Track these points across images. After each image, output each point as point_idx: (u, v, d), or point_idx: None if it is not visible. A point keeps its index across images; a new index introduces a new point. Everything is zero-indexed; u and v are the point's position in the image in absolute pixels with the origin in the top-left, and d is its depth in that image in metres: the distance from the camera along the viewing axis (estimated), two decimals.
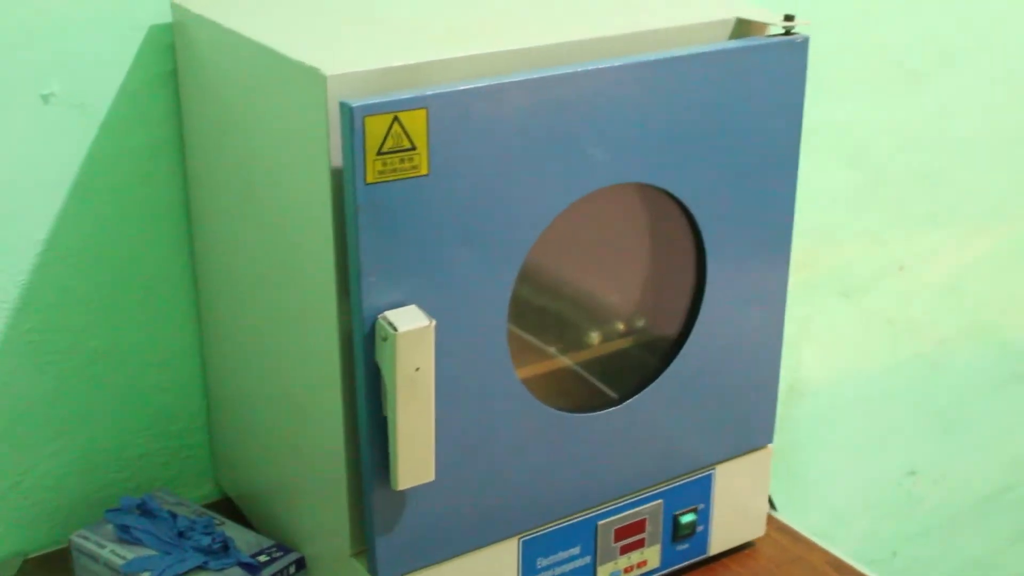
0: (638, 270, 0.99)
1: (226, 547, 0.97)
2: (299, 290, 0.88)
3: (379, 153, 0.76)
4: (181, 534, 0.98)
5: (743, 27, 0.93)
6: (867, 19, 1.44)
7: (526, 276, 0.87)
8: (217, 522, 1.01)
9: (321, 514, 0.93)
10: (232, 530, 1.00)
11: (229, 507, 1.10)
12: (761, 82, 0.91)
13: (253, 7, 0.95)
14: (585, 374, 0.97)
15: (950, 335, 1.70)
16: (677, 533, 1.01)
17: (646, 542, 0.99)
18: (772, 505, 1.14)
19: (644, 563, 1.00)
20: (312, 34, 0.88)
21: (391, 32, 0.89)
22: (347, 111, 0.75)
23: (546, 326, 0.95)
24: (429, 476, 0.83)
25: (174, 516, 1.00)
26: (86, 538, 0.97)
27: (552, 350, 0.95)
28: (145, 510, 1.00)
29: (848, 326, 1.60)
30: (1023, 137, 1.64)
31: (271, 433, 1.00)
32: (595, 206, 0.89)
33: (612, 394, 0.95)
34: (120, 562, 0.94)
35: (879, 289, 1.60)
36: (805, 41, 0.92)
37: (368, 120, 0.75)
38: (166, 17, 1.00)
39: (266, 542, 0.99)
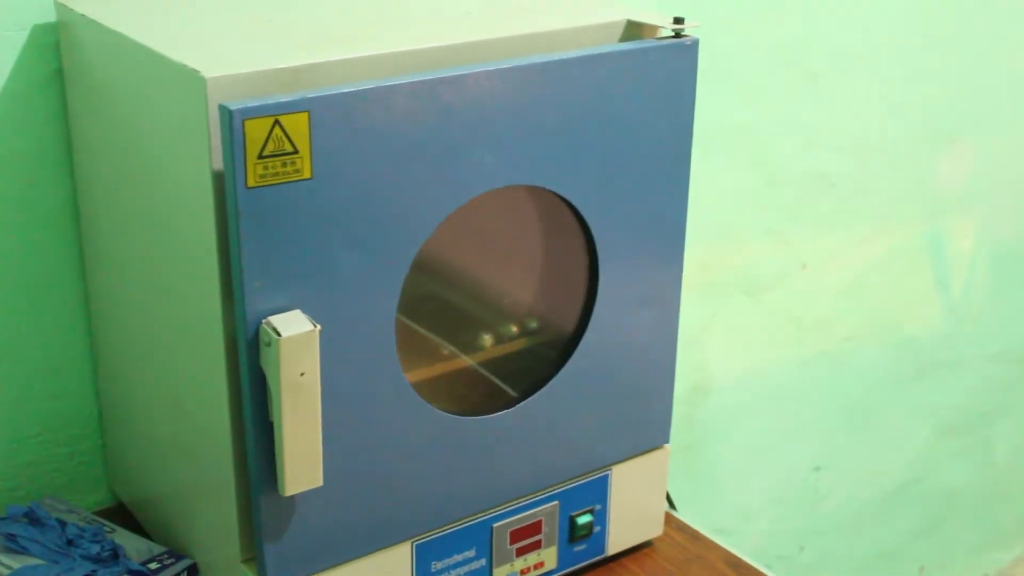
0: (532, 271, 0.99)
1: (116, 555, 0.95)
2: (185, 294, 0.87)
3: (260, 157, 0.75)
4: (70, 542, 0.96)
5: (634, 29, 0.93)
6: (767, 20, 1.45)
7: (419, 278, 0.87)
8: (107, 529, 0.99)
9: (211, 520, 0.92)
10: (123, 537, 0.99)
11: (124, 514, 1.09)
12: (651, 84, 0.91)
13: (138, 7, 0.93)
14: (483, 372, 0.97)
15: (853, 332, 1.72)
16: (574, 534, 1.01)
17: (543, 543, 0.99)
18: (671, 504, 1.14)
19: (541, 564, 1.00)
20: (195, 36, 0.87)
21: (276, 34, 0.88)
22: (226, 114, 0.74)
23: (440, 328, 0.95)
24: (317, 481, 0.83)
25: (63, 524, 0.98)
26: None
27: (445, 352, 0.95)
28: (33, 518, 0.98)
29: (752, 324, 1.61)
30: (921, 137, 1.67)
31: (162, 439, 0.98)
32: (487, 207, 0.89)
33: (507, 396, 0.95)
34: (6, 572, 0.93)
35: (782, 288, 1.61)
36: (695, 43, 0.92)
37: (248, 123, 0.74)
38: (50, 16, 0.98)
39: (158, 549, 0.98)
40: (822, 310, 1.67)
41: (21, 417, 1.07)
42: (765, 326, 1.62)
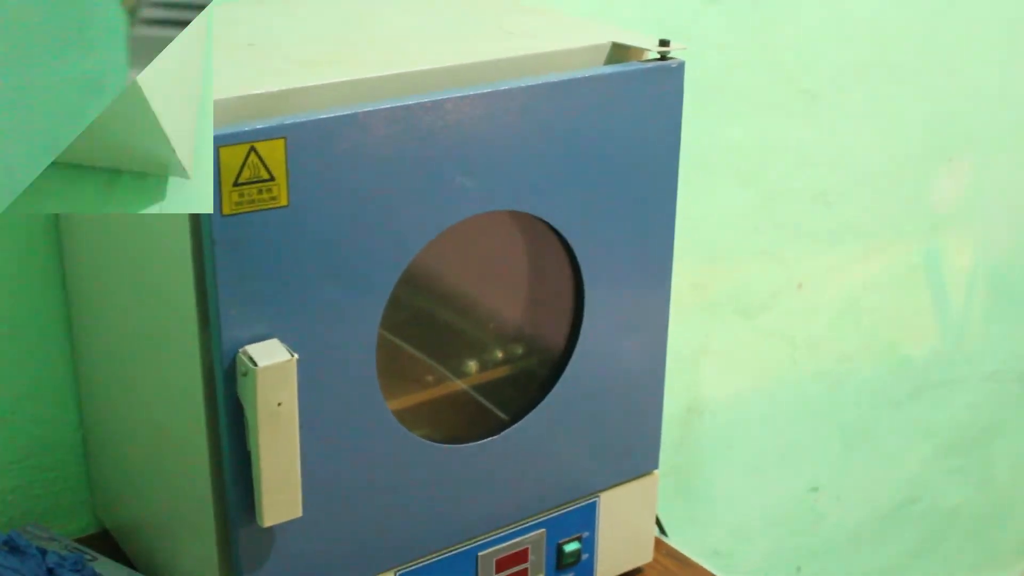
0: (517, 296, 0.97)
1: None
2: (163, 322, 0.86)
3: (235, 184, 0.74)
4: (50, 571, 0.95)
5: (619, 52, 0.92)
6: (762, 39, 1.44)
7: (401, 303, 0.86)
8: (88, 558, 0.98)
9: (191, 549, 0.91)
10: (103, 566, 0.98)
11: (108, 540, 1.07)
12: (637, 107, 0.90)
13: None
14: (467, 398, 0.96)
15: (849, 352, 1.71)
16: (561, 562, 1.00)
17: (529, 572, 0.98)
18: (662, 529, 1.13)
19: None
20: None
21: (252, 59, 0.86)
22: None
23: (423, 353, 0.94)
24: (296, 512, 0.81)
25: (43, 552, 0.97)
26: None
27: (429, 379, 0.94)
28: (13, 547, 0.97)
29: (747, 345, 1.60)
30: (917, 155, 1.66)
31: (143, 466, 0.97)
32: (470, 232, 0.88)
33: (491, 423, 0.94)
34: None
35: (777, 307, 1.60)
36: (681, 66, 0.91)
37: (223, 150, 0.73)
38: None
39: None
40: (817, 330, 1.66)
41: (4, 443, 1.06)
42: (760, 346, 1.61)
